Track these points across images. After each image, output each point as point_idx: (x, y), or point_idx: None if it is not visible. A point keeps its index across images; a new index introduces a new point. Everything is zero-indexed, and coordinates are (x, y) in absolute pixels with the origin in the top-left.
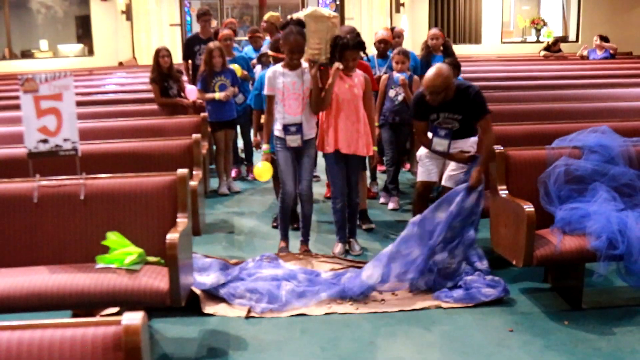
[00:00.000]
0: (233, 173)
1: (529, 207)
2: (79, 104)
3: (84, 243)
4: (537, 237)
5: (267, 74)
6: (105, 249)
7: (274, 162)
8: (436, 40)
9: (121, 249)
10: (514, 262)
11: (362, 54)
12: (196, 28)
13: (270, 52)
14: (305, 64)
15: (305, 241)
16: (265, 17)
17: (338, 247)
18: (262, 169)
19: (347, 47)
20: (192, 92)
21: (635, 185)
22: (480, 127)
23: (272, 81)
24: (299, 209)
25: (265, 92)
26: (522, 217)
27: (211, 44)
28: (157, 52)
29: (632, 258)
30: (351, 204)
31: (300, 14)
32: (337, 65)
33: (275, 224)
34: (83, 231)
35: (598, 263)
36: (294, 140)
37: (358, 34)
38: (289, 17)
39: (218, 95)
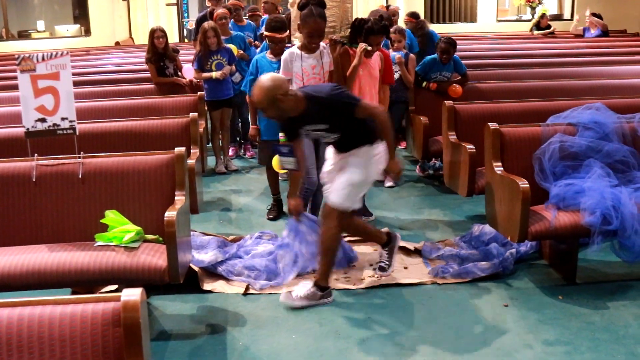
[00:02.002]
0: (230, 152)
1: (523, 184)
2: (77, 84)
3: (82, 221)
4: (532, 213)
5: (284, 57)
6: (104, 227)
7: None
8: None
9: (120, 227)
10: (508, 238)
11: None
12: (192, 8)
13: (265, 32)
14: (322, 45)
15: None
16: None
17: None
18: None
19: (372, 31)
20: (189, 71)
21: (628, 162)
22: (366, 118)
23: (288, 64)
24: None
25: (281, 75)
26: (517, 193)
27: (205, 24)
28: (152, 33)
29: (625, 233)
30: None
31: None
32: (364, 46)
33: (271, 216)
34: (82, 210)
35: (592, 238)
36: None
37: (382, 17)
38: None
39: (215, 74)
